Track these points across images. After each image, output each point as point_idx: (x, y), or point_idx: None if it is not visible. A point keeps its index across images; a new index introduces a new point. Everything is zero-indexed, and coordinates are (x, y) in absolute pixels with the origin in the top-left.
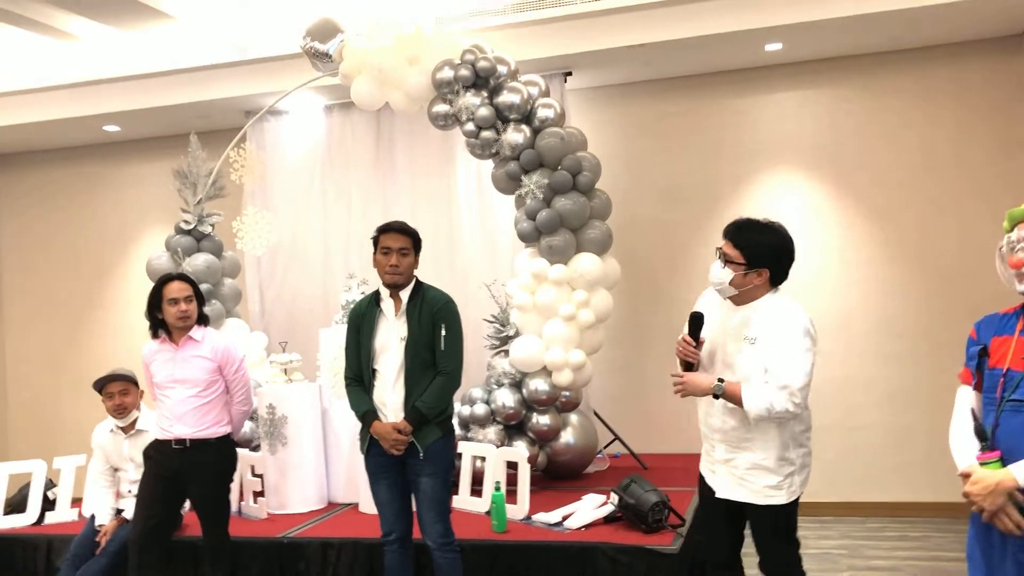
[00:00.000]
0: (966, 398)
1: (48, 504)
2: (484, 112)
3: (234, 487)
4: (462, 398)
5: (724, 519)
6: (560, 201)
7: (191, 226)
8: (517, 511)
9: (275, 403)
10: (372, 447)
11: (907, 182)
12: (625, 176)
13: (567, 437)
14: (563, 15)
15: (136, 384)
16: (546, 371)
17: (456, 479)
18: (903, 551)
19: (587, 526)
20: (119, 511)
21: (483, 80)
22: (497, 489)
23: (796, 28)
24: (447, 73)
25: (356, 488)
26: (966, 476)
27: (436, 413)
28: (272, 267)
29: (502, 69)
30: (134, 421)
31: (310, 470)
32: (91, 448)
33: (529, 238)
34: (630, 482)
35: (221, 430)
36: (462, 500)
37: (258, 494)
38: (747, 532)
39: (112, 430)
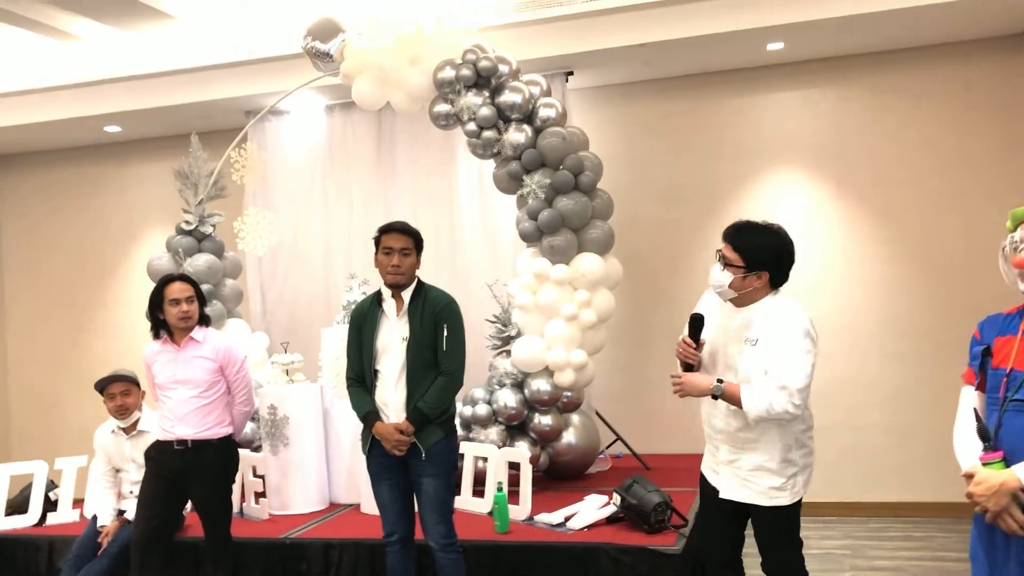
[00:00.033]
0: (969, 398)
1: (50, 505)
2: (486, 112)
3: (236, 488)
4: (464, 398)
5: (726, 519)
6: (562, 201)
7: (192, 226)
8: (519, 512)
9: (277, 404)
10: (374, 448)
11: (909, 181)
12: (627, 176)
13: (569, 437)
14: (564, 15)
15: (138, 385)
16: (548, 371)
17: (458, 480)
18: (906, 551)
19: (589, 527)
20: (121, 512)
21: (485, 80)
22: (499, 490)
23: (797, 27)
24: (448, 73)
25: (357, 489)
26: (969, 477)
27: (438, 413)
28: (273, 267)
29: (503, 69)
30: (136, 422)
31: (312, 471)
32: (93, 449)
33: (531, 238)
34: (632, 482)
35: (223, 431)
36: (464, 501)
37: (260, 495)
38: (747, 532)
39: (114, 431)
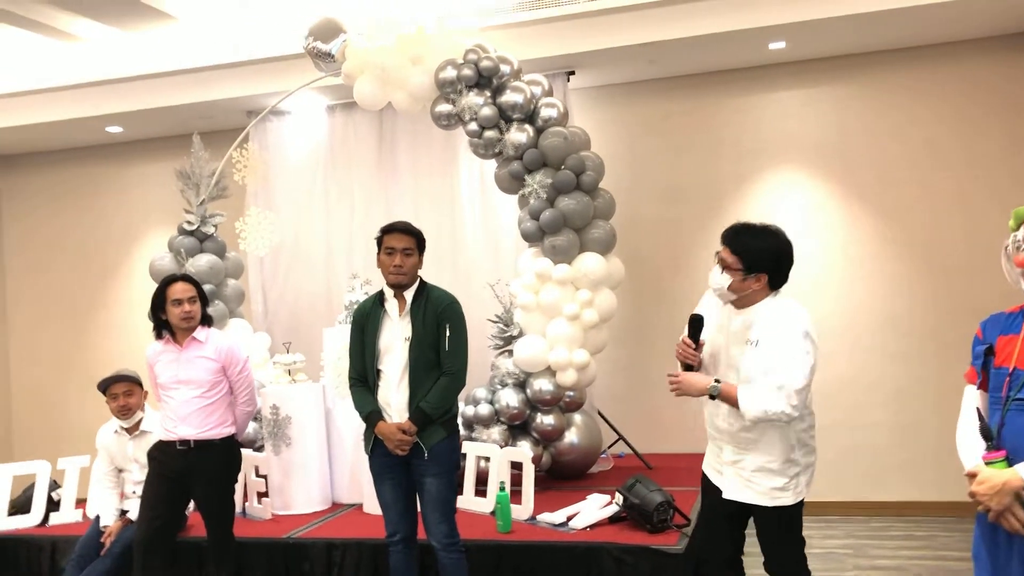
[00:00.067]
0: (972, 398)
1: (52, 505)
2: (487, 112)
3: (238, 488)
4: (466, 398)
5: (728, 519)
6: (564, 201)
7: (194, 227)
8: (522, 511)
9: (279, 404)
10: (377, 447)
11: (912, 180)
12: (629, 175)
13: (571, 437)
14: (566, 14)
15: (140, 385)
16: (550, 371)
17: (460, 479)
18: (908, 550)
19: (592, 526)
20: (123, 512)
21: (486, 80)
22: (502, 489)
23: (800, 27)
24: (450, 73)
25: (360, 488)
26: (972, 476)
27: (441, 413)
28: (275, 267)
29: (505, 69)
30: (138, 422)
31: (314, 470)
32: (95, 449)
33: (533, 238)
34: (635, 482)
35: (225, 431)
36: (467, 500)
37: (262, 495)
38: (748, 532)
39: (116, 431)
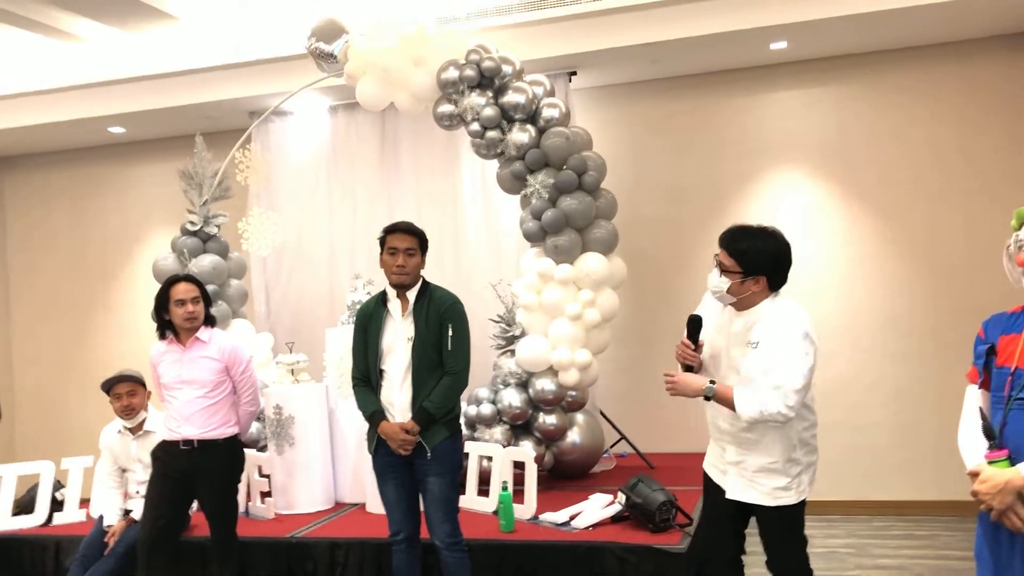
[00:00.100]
0: (974, 397)
1: (56, 505)
2: (489, 112)
3: (241, 487)
4: (468, 398)
5: (730, 518)
6: (566, 201)
7: (197, 227)
8: (524, 511)
9: (282, 404)
10: (380, 447)
11: (914, 180)
12: (631, 175)
13: (573, 437)
14: (568, 14)
15: (144, 385)
16: (552, 371)
17: (463, 479)
18: (910, 549)
19: (594, 526)
20: (127, 512)
21: (488, 80)
22: (504, 489)
23: (801, 26)
24: (452, 73)
25: (363, 488)
26: (974, 475)
27: (443, 413)
28: (278, 268)
29: (507, 69)
30: (142, 422)
31: (317, 470)
32: (99, 449)
33: (535, 238)
34: (637, 481)
35: (229, 431)
36: (469, 500)
37: (265, 494)
38: (748, 532)
39: (120, 431)
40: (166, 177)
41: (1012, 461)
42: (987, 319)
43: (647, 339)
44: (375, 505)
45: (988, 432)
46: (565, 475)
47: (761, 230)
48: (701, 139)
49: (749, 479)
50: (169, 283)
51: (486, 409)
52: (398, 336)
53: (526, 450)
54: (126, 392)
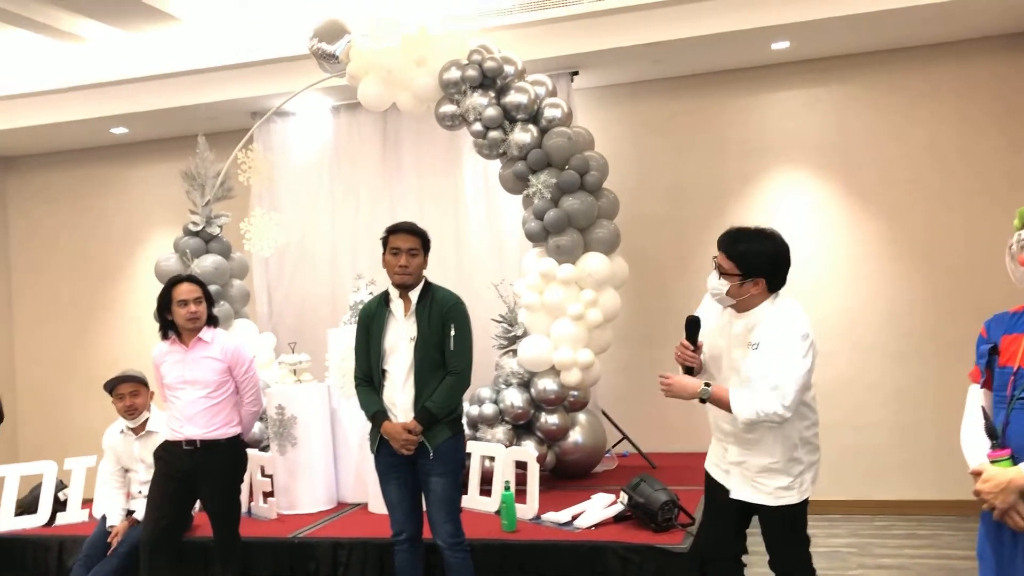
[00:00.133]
0: (976, 396)
1: (59, 505)
2: (491, 112)
3: (244, 487)
4: (470, 398)
5: (733, 518)
6: (568, 200)
7: (199, 227)
8: (527, 510)
9: (284, 404)
10: (382, 447)
11: (914, 180)
12: (633, 175)
13: (575, 436)
14: (569, 15)
15: (146, 385)
16: (554, 371)
17: (465, 479)
18: (912, 549)
19: (597, 525)
20: (130, 512)
21: (490, 80)
22: (507, 488)
23: (802, 27)
24: (454, 73)
25: (365, 488)
26: (977, 474)
27: (446, 413)
28: (280, 268)
29: (509, 69)
30: (144, 422)
31: (319, 470)
32: (102, 449)
33: (537, 238)
34: (639, 481)
35: (231, 431)
36: (472, 500)
37: (268, 494)
38: (749, 531)
39: (123, 431)
40: (168, 177)
41: (1015, 460)
42: (989, 319)
43: (649, 339)
44: (377, 505)
45: (990, 431)
46: (567, 475)
47: (759, 232)
48: (703, 139)
49: (752, 479)
50: (171, 283)
51: (488, 409)
52: (400, 336)
53: (528, 450)
54: (129, 392)
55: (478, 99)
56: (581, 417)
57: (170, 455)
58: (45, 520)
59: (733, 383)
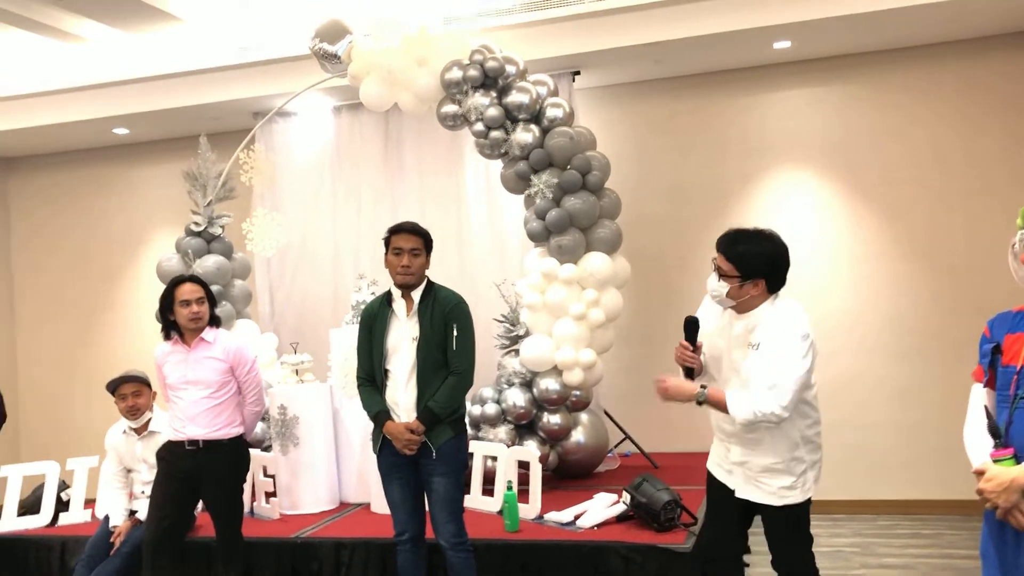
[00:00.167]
0: (979, 396)
1: (62, 505)
2: (493, 112)
3: (246, 488)
4: (473, 398)
5: (735, 517)
6: (569, 200)
7: (201, 228)
8: (529, 510)
9: (287, 404)
10: (385, 447)
11: (916, 179)
12: (634, 175)
13: (578, 436)
14: (571, 14)
15: (149, 386)
16: (556, 370)
17: (468, 479)
18: (915, 548)
19: (599, 525)
20: (132, 512)
21: (492, 80)
22: (509, 488)
23: (804, 26)
24: (456, 73)
25: (367, 488)
26: (980, 473)
27: (448, 413)
28: (282, 268)
29: (511, 69)
30: (147, 422)
31: (322, 470)
32: (104, 449)
33: (539, 237)
34: (642, 481)
35: (234, 431)
36: (474, 499)
37: (270, 495)
38: (753, 531)
39: (125, 431)
40: (170, 178)
41: (1017, 459)
42: (992, 318)
43: (651, 338)
44: (380, 505)
45: (994, 431)
46: (569, 475)
47: (758, 233)
48: (704, 138)
49: (754, 479)
50: (174, 284)
51: (490, 409)
52: (403, 336)
53: (530, 450)
54: (131, 392)
55: (480, 99)
56: (583, 417)
57: (173, 455)
58: (48, 520)
59: (733, 384)
